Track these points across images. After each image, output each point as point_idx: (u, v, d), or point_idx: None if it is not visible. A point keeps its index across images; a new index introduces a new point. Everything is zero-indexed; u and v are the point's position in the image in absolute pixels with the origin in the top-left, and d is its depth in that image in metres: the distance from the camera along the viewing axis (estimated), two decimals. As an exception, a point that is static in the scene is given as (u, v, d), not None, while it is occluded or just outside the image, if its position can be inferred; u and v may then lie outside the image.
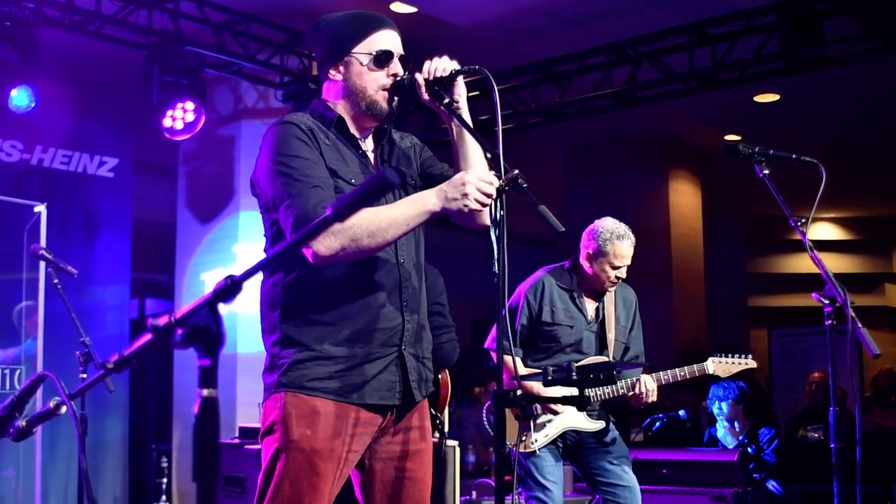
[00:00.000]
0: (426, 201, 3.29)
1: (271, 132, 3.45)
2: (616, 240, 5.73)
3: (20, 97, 7.83)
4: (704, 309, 13.77)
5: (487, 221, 3.53)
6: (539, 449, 5.67)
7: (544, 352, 5.80)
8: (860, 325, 4.23)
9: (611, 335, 5.86)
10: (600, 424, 5.79)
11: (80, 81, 9.62)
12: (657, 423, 8.95)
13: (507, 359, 5.59)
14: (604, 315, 5.87)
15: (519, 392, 3.37)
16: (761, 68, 8.72)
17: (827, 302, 4.37)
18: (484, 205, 3.23)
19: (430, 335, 3.66)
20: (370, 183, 1.67)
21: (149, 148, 10.39)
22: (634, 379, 5.66)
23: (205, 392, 1.78)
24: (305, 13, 8.93)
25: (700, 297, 13.72)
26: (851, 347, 4.34)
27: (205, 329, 1.78)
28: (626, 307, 6.00)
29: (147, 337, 1.85)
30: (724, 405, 8.82)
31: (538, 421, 5.68)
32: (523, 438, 5.65)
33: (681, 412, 9.22)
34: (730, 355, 5.86)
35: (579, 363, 5.54)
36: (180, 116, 8.75)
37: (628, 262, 5.78)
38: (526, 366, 5.70)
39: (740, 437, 8.78)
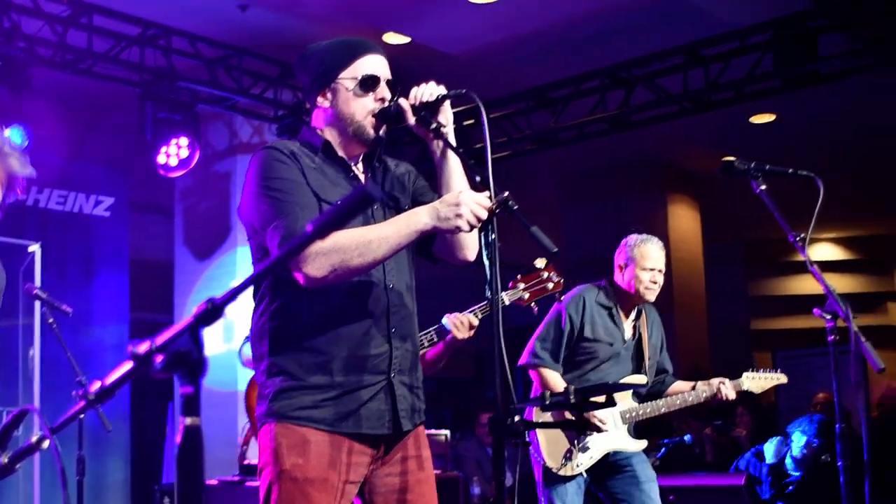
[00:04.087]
0: (418, 219, 3.24)
1: (254, 159, 3.44)
2: (642, 243, 5.91)
3: (13, 136, 7.80)
4: (707, 332, 13.70)
5: (470, 257, 3.52)
6: (585, 471, 5.67)
7: (580, 367, 5.84)
8: (863, 339, 4.18)
9: (647, 354, 5.97)
10: (643, 444, 5.88)
11: (73, 120, 9.60)
12: (662, 449, 8.86)
13: (543, 371, 5.69)
14: (640, 334, 5.98)
15: (517, 418, 3.31)
16: (756, 87, 8.69)
17: (829, 317, 4.32)
18: (474, 226, 3.19)
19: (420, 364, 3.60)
20: (350, 198, 1.63)
21: (145, 186, 10.38)
22: (715, 387, 5.85)
23: (188, 420, 1.72)
24: (298, 46, 8.91)
25: (702, 321, 13.67)
26: (855, 361, 4.27)
27: (186, 355, 1.73)
28: (657, 328, 6.15)
29: (127, 365, 1.80)
30: (808, 436, 8.74)
31: (582, 442, 5.67)
32: (566, 461, 5.66)
33: (686, 437, 9.14)
34: (762, 370, 6.12)
35: (607, 383, 5.63)
36: (174, 153, 8.74)
37: (660, 265, 5.90)
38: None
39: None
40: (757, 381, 6.06)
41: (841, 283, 16.83)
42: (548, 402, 3.66)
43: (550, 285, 5.23)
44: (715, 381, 5.89)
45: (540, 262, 5.11)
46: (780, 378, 6.13)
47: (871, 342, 4.27)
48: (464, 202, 3.17)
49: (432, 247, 3.56)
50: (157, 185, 9.96)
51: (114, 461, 9.19)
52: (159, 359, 1.73)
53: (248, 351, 5.82)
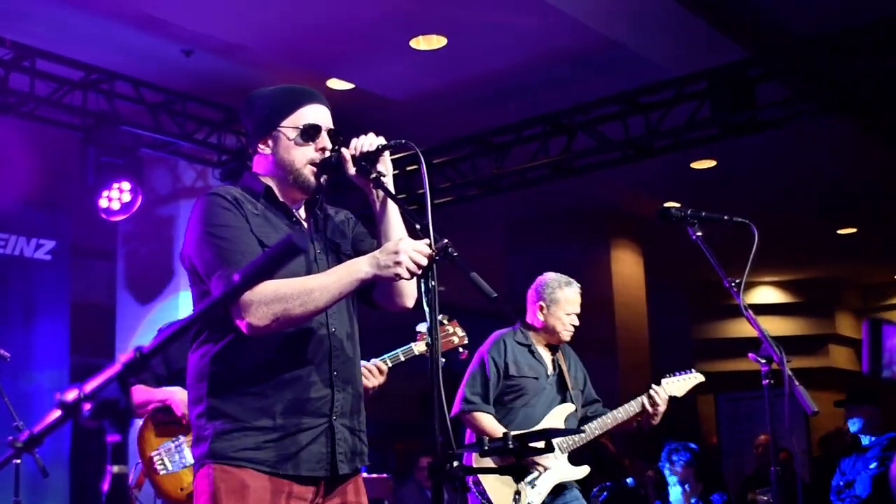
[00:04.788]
0: (359, 268, 3.29)
1: (198, 204, 3.44)
2: (565, 286, 6.05)
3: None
4: (650, 376, 13.74)
5: (409, 304, 3.58)
6: None
7: (509, 404, 5.91)
8: (797, 383, 4.24)
9: (570, 383, 6.06)
10: (585, 470, 5.95)
11: (15, 164, 9.54)
12: (604, 493, 8.88)
13: (477, 415, 5.76)
14: (560, 367, 6.07)
15: (455, 463, 3.33)
16: (695, 134, 8.81)
17: (763, 361, 4.38)
18: (415, 274, 3.23)
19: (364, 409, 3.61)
20: (276, 249, 1.64)
21: (87, 230, 10.31)
22: (644, 397, 5.92)
23: (115, 468, 1.73)
24: (242, 91, 8.92)
25: (646, 365, 13.72)
26: (791, 406, 4.33)
27: (113, 403, 1.73)
28: (574, 361, 6.24)
29: (56, 413, 1.80)
30: (676, 466, 8.79)
31: (528, 480, 5.74)
32: (516, 500, 5.70)
33: (628, 480, 9.18)
34: (679, 373, 6.14)
35: (522, 431, 5.65)
36: (116, 197, 8.71)
37: (578, 308, 6.03)
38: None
39: (692, 501, 8.74)
40: (677, 384, 6.08)
41: (782, 326, 17.05)
42: (486, 448, 3.69)
43: (455, 339, 5.39)
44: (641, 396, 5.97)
45: (443, 318, 5.24)
46: (698, 377, 6.15)
47: (814, 384, 4.35)
48: (403, 250, 3.21)
49: (372, 293, 3.59)
50: (99, 229, 9.90)
51: (52, 509, 9.06)
52: (87, 407, 1.73)
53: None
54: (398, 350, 5.15)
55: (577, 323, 6.04)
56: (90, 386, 1.75)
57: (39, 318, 9.43)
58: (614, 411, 5.98)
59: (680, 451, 8.81)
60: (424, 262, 3.21)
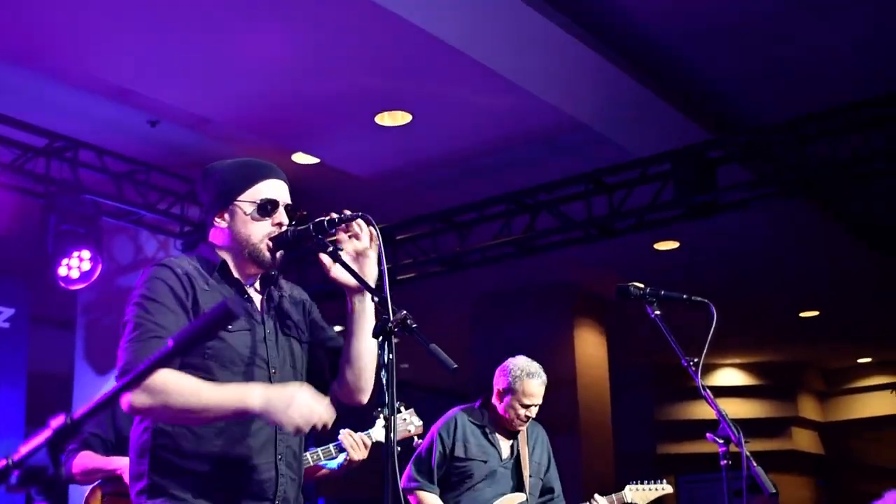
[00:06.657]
0: (249, 397, 3.18)
1: (144, 273, 3.41)
2: (526, 377, 5.86)
3: None
4: (613, 457, 13.69)
5: (363, 399, 3.55)
6: None
7: (456, 487, 5.81)
8: (755, 464, 4.21)
9: (526, 472, 5.92)
10: None
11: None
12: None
13: (421, 494, 5.71)
14: (518, 452, 5.93)
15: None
16: (658, 215, 8.83)
17: (721, 441, 4.35)
18: (301, 431, 3.17)
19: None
20: (211, 314, 1.61)
21: (46, 298, 10.21)
22: None
23: (42, 538, 1.68)
24: (206, 163, 8.90)
25: (608, 446, 13.66)
26: (747, 487, 4.30)
27: (42, 470, 1.69)
28: (541, 445, 6.11)
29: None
30: None
31: None
32: None
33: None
34: (646, 482, 6.04)
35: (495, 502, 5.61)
36: (76, 265, 8.63)
37: (538, 401, 5.90)
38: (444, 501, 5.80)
39: None
40: (640, 492, 6.12)
41: (745, 409, 17.06)
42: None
43: (411, 428, 5.35)
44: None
45: (400, 405, 5.21)
46: (665, 489, 6.17)
47: (776, 467, 4.32)
48: (299, 403, 3.14)
49: (329, 390, 3.55)
50: (59, 297, 9.81)
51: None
52: (15, 473, 1.69)
53: (78, 463, 5.60)
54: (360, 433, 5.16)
55: (532, 414, 5.90)
56: (19, 453, 1.71)
57: (-5, 386, 9.31)
58: None
59: None
60: (317, 422, 3.14)
